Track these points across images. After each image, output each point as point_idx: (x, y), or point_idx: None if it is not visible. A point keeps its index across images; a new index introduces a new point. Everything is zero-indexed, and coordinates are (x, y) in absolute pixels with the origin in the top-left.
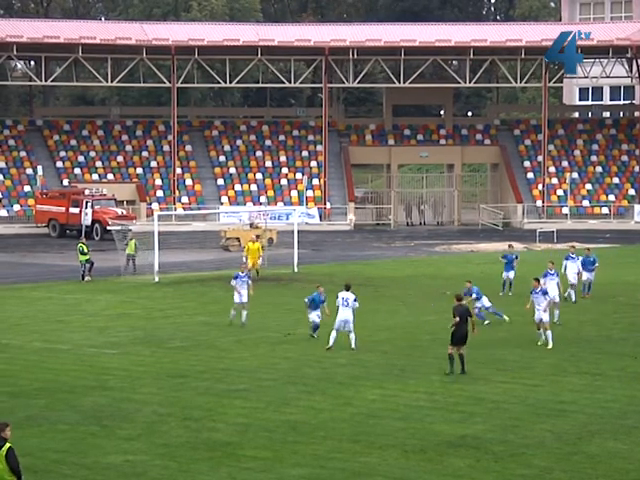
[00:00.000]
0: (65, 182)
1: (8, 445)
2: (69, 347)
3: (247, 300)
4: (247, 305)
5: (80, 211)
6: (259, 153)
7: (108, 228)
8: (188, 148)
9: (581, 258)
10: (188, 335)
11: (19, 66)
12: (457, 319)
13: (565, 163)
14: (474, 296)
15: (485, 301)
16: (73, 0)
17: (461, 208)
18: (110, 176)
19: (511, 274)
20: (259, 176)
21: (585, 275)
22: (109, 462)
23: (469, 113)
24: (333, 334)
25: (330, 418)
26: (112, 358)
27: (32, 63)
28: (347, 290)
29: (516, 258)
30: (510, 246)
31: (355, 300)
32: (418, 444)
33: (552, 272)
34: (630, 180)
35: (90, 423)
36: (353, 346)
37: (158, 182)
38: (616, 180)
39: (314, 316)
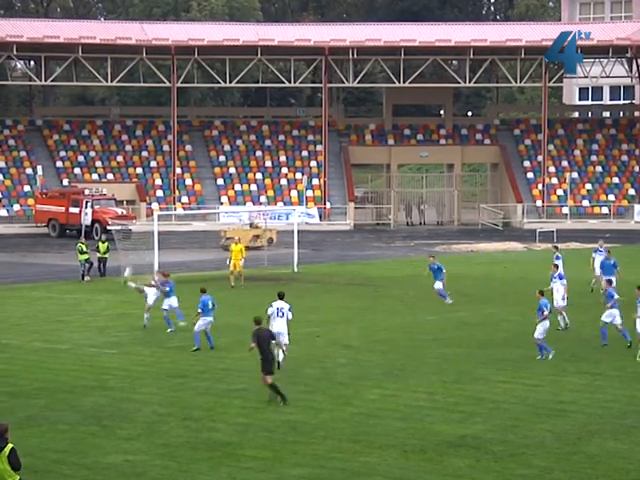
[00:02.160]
0: (65, 182)
1: (11, 446)
2: (69, 347)
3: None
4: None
5: (80, 211)
6: (259, 153)
7: (108, 228)
8: (188, 148)
9: (601, 259)
10: (188, 335)
11: (19, 66)
12: (253, 344)
13: (565, 163)
14: (167, 289)
15: (173, 301)
16: (73, 0)
17: (461, 208)
18: (110, 176)
19: (438, 284)
20: (259, 176)
21: (604, 280)
22: (109, 462)
23: (469, 113)
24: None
25: (330, 418)
26: (112, 358)
27: (32, 63)
28: (281, 299)
29: (438, 269)
30: (432, 257)
31: (290, 310)
32: (418, 444)
33: (555, 275)
34: (630, 180)
35: (90, 423)
36: (280, 360)
37: (158, 182)
38: (616, 180)
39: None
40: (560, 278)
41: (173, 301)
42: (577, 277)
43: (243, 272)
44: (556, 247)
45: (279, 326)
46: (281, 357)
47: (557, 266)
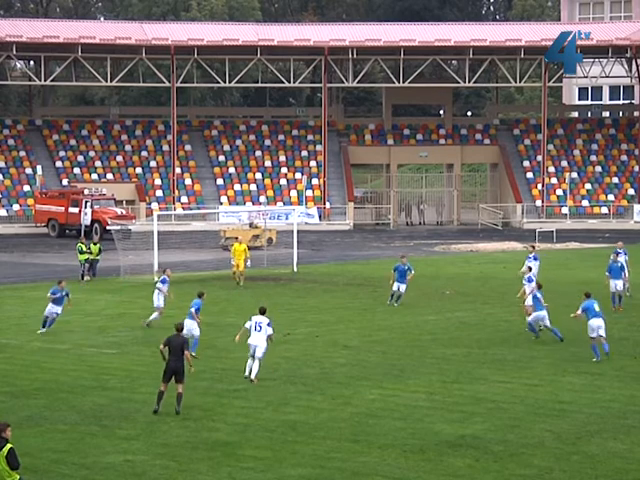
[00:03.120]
0: (64, 182)
1: (9, 446)
2: (69, 347)
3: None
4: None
5: (79, 211)
6: (258, 153)
7: (108, 228)
8: (187, 148)
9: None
10: (188, 335)
11: (19, 66)
12: (165, 347)
13: (564, 163)
14: (50, 296)
15: (59, 310)
16: (72, 0)
17: (460, 208)
18: (109, 176)
19: (402, 287)
20: (258, 176)
21: (612, 283)
22: (109, 462)
23: (468, 113)
24: (249, 362)
25: (330, 418)
26: (112, 358)
27: (31, 63)
28: (262, 314)
29: (409, 270)
30: (402, 257)
31: (269, 325)
32: (418, 444)
33: (526, 276)
34: (629, 180)
35: (90, 423)
36: (253, 375)
37: (157, 182)
38: (615, 180)
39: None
40: (529, 281)
41: (58, 310)
42: (580, 278)
43: (245, 272)
44: (533, 246)
45: (256, 339)
46: (255, 371)
47: (530, 268)
